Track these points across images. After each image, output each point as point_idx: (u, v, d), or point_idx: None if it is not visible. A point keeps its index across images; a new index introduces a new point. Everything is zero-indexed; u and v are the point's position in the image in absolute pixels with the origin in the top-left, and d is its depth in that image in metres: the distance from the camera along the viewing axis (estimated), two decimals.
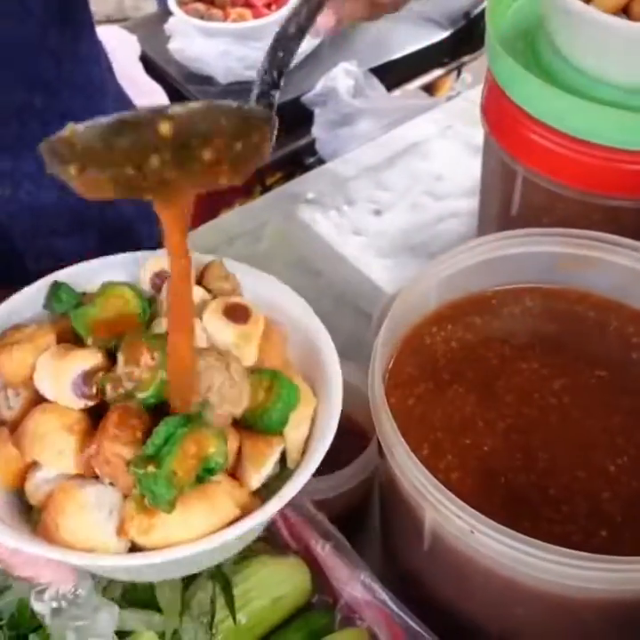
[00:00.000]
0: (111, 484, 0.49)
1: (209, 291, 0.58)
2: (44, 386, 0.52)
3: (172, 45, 1.85)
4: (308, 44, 1.86)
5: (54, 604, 0.55)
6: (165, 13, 1.91)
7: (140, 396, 0.50)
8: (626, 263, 0.65)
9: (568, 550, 0.47)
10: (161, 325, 0.54)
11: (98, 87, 1.03)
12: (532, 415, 0.59)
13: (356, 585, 0.58)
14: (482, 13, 1.97)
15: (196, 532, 0.48)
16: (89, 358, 0.52)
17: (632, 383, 0.62)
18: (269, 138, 0.48)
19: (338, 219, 1.14)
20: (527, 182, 0.78)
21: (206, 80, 1.85)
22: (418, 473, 0.50)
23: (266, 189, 1.81)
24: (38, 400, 0.53)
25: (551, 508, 0.54)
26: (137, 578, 0.56)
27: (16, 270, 0.98)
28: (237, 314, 0.55)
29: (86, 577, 0.55)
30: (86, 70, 0.99)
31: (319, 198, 1.17)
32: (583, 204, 0.76)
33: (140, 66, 1.79)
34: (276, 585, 0.59)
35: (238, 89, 1.81)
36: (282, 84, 0.55)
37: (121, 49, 1.80)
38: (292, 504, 0.61)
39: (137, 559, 0.48)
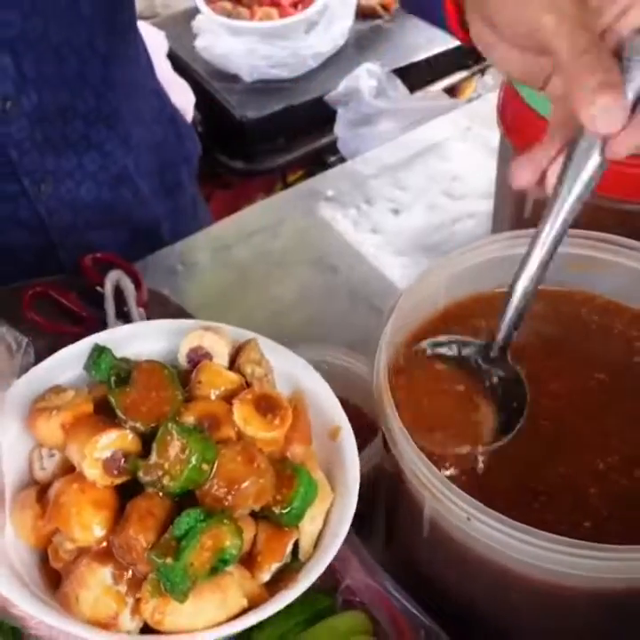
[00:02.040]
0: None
1: (242, 373, 0.59)
2: (75, 457, 0.54)
3: (199, 43, 1.88)
4: (331, 45, 1.88)
5: None
6: (193, 11, 1.94)
7: (169, 485, 0.51)
8: (633, 265, 0.66)
9: (558, 537, 0.48)
10: (195, 409, 0.56)
11: (139, 87, 1.06)
12: None
13: (357, 569, 0.60)
14: None
15: (205, 621, 0.51)
16: (123, 440, 0.53)
17: (632, 386, 0.63)
18: None
19: (356, 217, 1.16)
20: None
21: (232, 78, 1.88)
22: (418, 461, 0.52)
23: (287, 186, 1.83)
24: (71, 466, 0.55)
25: (536, 500, 0.56)
26: None
27: (49, 262, 1.01)
28: (268, 405, 0.56)
29: None
30: (130, 71, 1.02)
31: (338, 196, 1.19)
32: (595, 208, 0.76)
33: (167, 63, 1.82)
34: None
35: (262, 87, 1.84)
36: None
37: (148, 44, 1.82)
38: None
39: None
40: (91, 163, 0.99)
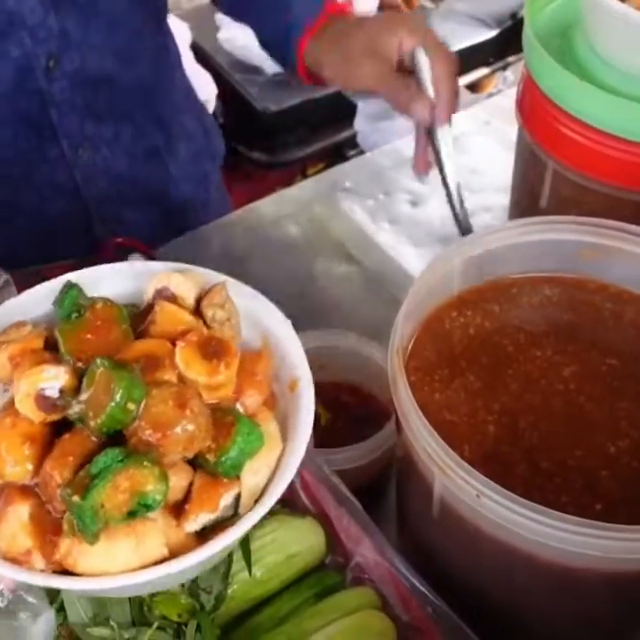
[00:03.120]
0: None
1: (203, 316, 0.57)
2: (15, 390, 0.52)
3: (222, 35, 1.89)
4: None
5: None
6: None
7: (92, 423, 0.49)
8: None
9: (567, 516, 0.49)
10: (137, 348, 0.53)
11: (170, 74, 1.09)
12: (535, 400, 0.61)
13: (367, 546, 0.61)
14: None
15: (119, 565, 0.48)
16: (58, 376, 0.51)
17: None
18: None
19: (374, 208, 1.17)
20: (557, 175, 0.79)
21: (253, 70, 1.89)
22: (429, 438, 0.53)
23: (307, 179, 1.84)
24: None
25: (545, 480, 0.56)
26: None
27: (85, 239, 1.03)
28: (215, 349, 0.53)
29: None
30: (164, 56, 1.07)
31: (357, 187, 1.19)
32: (612, 199, 0.77)
33: (190, 54, 1.83)
34: (291, 543, 0.62)
35: (284, 79, 1.85)
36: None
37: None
38: (311, 472, 0.64)
39: (56, 581, 0.49)
40: (126, 134, 1.01)
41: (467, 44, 1.92)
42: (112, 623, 0.57)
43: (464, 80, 1.95)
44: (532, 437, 0.59)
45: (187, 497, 0.51)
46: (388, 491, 0.80)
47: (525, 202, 0.87)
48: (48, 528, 0.49)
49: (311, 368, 0.57)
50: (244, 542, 0.61)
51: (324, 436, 0.68)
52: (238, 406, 0.54)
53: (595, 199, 0.78)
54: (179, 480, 0.50)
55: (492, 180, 1.18)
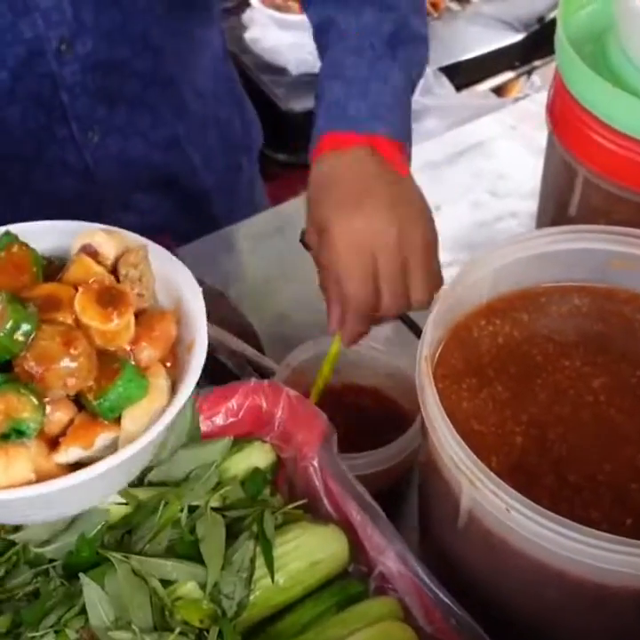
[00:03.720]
0: None
1: (117, 273, 0.59)
2: None
3: (249, 35, 1.89)
4: None
5: None
6: (244, 4, 1.95)
7: None
8: None
9: (599, 532, 0.48)
10: (43, 289, 0.56)
11: (205, 64, 1.09)
12: (564, 412, 0.60)
13: (391, 556, 0.60)
14: (556, 18, 1.97)
15: None
16: None
17: None
18: None
19: None
20: (587, 183, 0.78)
21: (279, 70, 1.89)
22: (457, 448, 0.52)
23: None
24: None
25: (573, 493, 0.56)
26: None
27: (93, 220, 1.03)
28: (113, 299, 0.55)
29: None
30: (197, 46, 1.06)
31: None
32: None
33: None
34: (314, 550, 0.62)
35: (309, 80, 1.84)
36: None
37: None
38: (335, 478, 0.64)
39: None
40: (141, 121, 1.01)
41: (493, 48, 1.91)
42: (134, 627, 0.57)
43: (489, 84, 1.94)
44: (560, 449, 0.58)
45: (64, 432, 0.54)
46: (407, 495, 0.80)
47: (554, 209, 0.86)
48: None
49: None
50: (267, 548, 0.61)
51: (342, 440, 0.67)
52: (131, 358, 0.56)
53: (625, 208, 0.77)
54: (60, 415, 0.53)
55: (519, 186, 1.17)
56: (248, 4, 1.91)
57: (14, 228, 0.62)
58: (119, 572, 0.58)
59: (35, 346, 0.52)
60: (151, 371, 0.56)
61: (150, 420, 0.54)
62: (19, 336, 0.52)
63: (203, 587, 0.59)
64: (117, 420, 0.54)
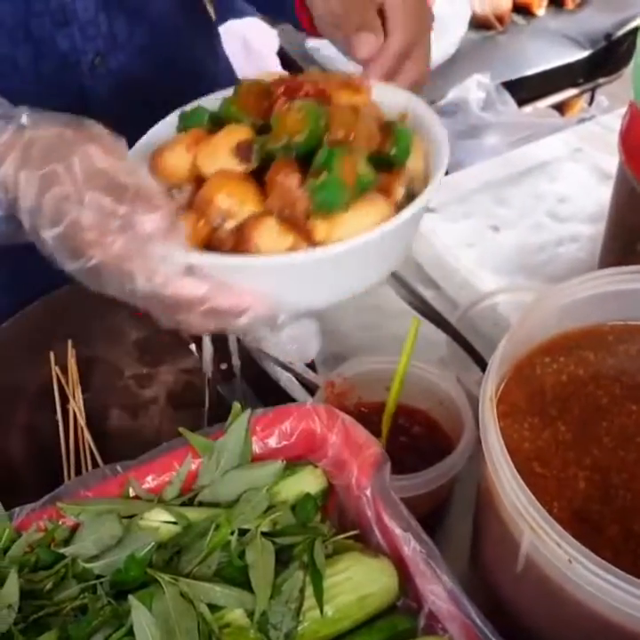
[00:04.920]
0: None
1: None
2: (208, 163, 0.63)
3: (310, 44, 1.89)
4: (442, 53, 1.86)
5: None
6: None
7: (296, 142, 0.61)
8: None
9: None
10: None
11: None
12: (629, 457, 0.59)
13: (442, 595, 0.59)
14: (624, 36, 1.94)
15: (365, 229, 0.58)
16: (242, 131, 0.63)
17: None
18: None
19: (456, 230, 1.15)
20: None
21: None
22: (521, 493, 0.51)
23: None
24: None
25: (637, 546, 0.54)
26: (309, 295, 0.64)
27: None
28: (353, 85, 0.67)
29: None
30: (212, 66, 1.08)
31: (439, 208, 1.17)
32: None
33: (276, 60, 1.83)
34: (364, 583, 0.61)
35: None
36: None
37: (259, 40, 1.85)
38: (388, 509, 0.63)
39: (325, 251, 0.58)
40: None
41: (557, 64, 1.88)
42: None
43: (552, 100, 1.91)
44: (625, 497, 0.57)
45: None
46: (446, 523, 0.79)
47: (622, 241, 0.84)
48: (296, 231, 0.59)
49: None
50: (317, 579, 0.60)
51: None
52: None
53: None
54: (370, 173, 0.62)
55: (581, 209, 1.15)
56: None
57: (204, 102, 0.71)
58: (167, 594, 0.58)
59: (334, 122, 0.61)
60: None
61: (421, 160, 0.65)
62: (320, 122, 0.61)
63: (250, 614, 0.58)
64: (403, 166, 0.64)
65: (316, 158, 0.59)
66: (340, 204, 0.58)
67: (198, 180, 0.63)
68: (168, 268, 0.57)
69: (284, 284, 0.61)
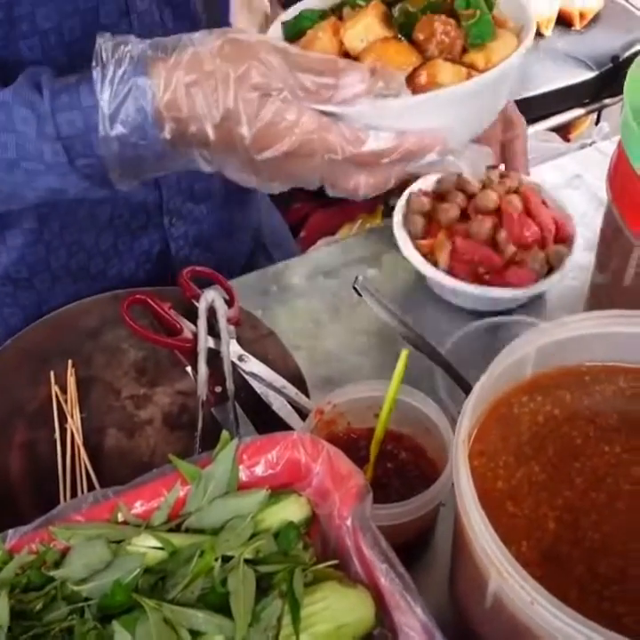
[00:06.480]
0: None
1: None
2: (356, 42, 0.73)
3: None
4: None
5: None
6: None
7: None
8: None
9: (622, 637, 0.48)
10: None
11: None
12: (599, 499, 0.60)
13: (416, 626, 0.60)
14: (631, 57, 1.95)
15: (508, 53, 0.72)
16: (379, 5, 0.75)
17: None
18: None
19: None
20: None
21: None
22: (488, 537, 0.53)
23: (389, 209, 1.84)
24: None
25: (602, 586, 0.56)
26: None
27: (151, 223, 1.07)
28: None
29: None
30: None
31: None
32: None
33: None
34: (342, 612, 0.62)
35: None
36: None
37: None
38: (367, 540, 0.65)
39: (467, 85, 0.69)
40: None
41: (564, 85, 1.90)
42: None
43: (557, 120, 1.92)
44: (593, 538, 0.58)
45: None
46: (432, 545, 0.80)
47: (608, 277, 0.86)
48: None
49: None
50: (295, 608, 0.62)
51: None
52: None
53: None
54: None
55: (578, 237, 1.16)
56: None
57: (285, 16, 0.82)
58: (151, 619, 0.60)
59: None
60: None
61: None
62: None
63: None
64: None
65: (458, 3, 0.72)
66: (492, 34, 0.71)
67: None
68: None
69: (459, 115, 0.71)
